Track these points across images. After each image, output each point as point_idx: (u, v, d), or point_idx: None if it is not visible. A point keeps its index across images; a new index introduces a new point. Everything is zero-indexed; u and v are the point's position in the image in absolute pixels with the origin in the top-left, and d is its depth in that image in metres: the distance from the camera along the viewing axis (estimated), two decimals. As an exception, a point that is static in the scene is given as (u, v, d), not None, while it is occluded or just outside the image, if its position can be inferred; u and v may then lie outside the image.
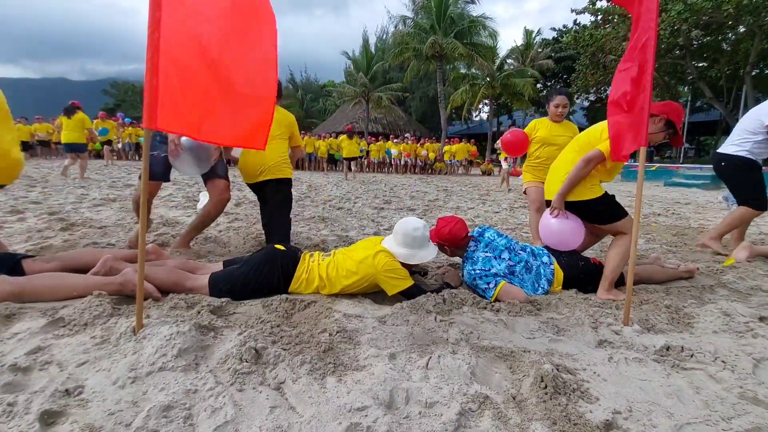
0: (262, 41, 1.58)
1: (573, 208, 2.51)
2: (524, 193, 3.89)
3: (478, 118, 39.88)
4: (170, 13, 1.52)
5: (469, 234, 2.55)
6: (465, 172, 20.60)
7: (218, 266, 2.24)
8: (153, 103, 1.55)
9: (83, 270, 2.07)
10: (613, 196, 2.51)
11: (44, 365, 1.37)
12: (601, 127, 2.44)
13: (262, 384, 1.32)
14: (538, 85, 29.05)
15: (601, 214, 2.48)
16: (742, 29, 16.85)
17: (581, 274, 2.51)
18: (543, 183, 3.00)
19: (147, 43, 1.50)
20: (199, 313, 1.75)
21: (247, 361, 1.39)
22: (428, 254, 2.25)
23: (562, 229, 2.54)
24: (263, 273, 2.10)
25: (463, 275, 2.45)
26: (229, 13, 1.56)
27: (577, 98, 25.21)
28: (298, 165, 16.71)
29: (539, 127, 3.65)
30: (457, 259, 2.78)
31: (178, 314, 1.69)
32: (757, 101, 18.97)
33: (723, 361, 1.61)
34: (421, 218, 5.15)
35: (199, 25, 1.56)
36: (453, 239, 2.47)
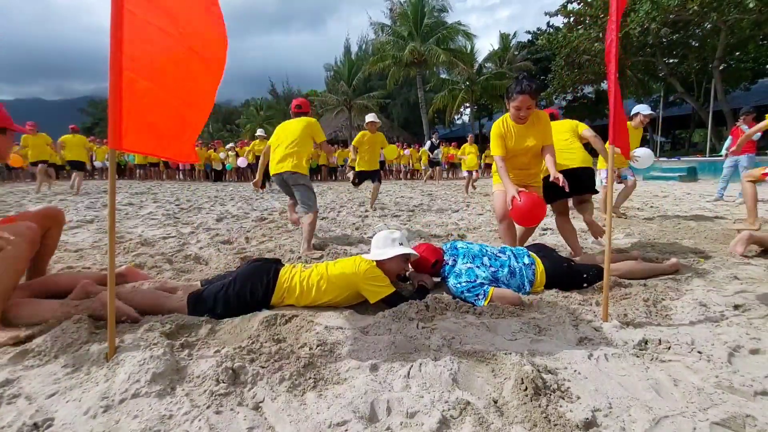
0: (214, 57, 1.56)
1: (572, 176, 2.92)
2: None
3: (459, 122, 40.29)
4: (132, 31, 1.50)
5: (442, 258, 2.48)
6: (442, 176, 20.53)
7: (196, 286, 2.19)
8: (117, 123, 1.52)
9: (60, 295, 2.01)
10: None
11: (12, 398, 1.32)
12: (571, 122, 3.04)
13: (240, 405, 1.29)
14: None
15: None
16: (708, 26, 17.46)
17: (565, 276, 2.51)
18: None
19: (109, 63, 1.48)
20: (174, 334, 1.71)
21: (224, 382, 1.36)
22: (395, 251, 2.26)
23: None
24: (245, 290, 2.07)
25: (449, 290, 2.37)
26: (187, 31, 1.55)
27: (555, 98, 25.65)
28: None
29: (508, 137, 2.92)
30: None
31: (152, 337, 1.65)
32: (726, 94, 19.70)
33: (699, 352, 1.64)
34: (405, 224, 5.18)
35: (161, 42, 1.54)
36: (421, 269, 2.51)
